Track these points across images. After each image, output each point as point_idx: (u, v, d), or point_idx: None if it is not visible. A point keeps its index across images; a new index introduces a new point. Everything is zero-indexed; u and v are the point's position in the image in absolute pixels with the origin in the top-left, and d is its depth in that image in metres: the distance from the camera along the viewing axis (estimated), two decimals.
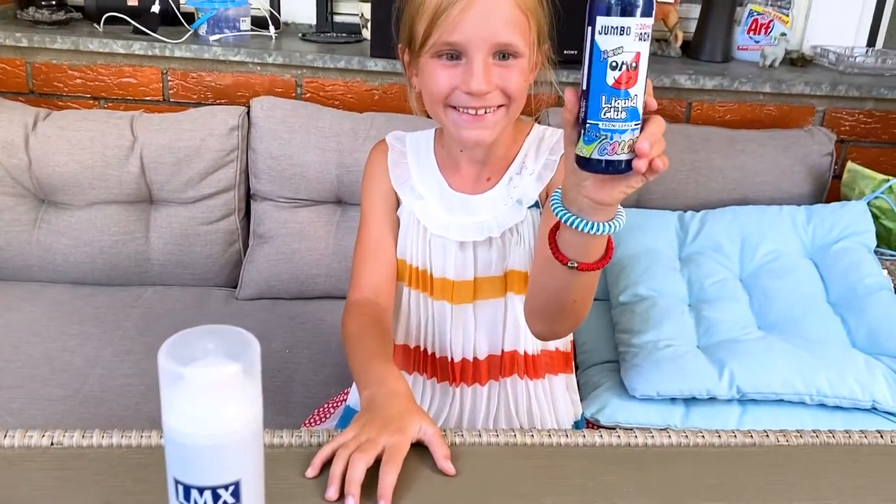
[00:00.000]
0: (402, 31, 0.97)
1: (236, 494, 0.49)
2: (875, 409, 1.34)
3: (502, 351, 1.09)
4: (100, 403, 1.39)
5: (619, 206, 0.74)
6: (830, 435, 0.87)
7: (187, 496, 0.49)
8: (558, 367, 1.13)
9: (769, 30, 2.12)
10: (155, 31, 1.90)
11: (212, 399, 0.47)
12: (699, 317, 1.50)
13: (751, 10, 2.11)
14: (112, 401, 1.40)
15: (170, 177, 1.74)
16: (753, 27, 2.12)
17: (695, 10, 2.13)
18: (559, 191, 0.75)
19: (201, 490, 0.48)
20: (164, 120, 1.77)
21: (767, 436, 0.86)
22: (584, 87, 0.63)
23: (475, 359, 1.09)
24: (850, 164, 1.87)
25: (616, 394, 1.38)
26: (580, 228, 0.73)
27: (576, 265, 0.77)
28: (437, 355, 1.11)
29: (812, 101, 1.98)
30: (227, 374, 0.47)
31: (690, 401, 1.36)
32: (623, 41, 0.59)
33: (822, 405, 1.35)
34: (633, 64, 0.60)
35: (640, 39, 0.60)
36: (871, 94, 1.96)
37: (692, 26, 2.14)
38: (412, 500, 0.75)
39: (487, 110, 0.93)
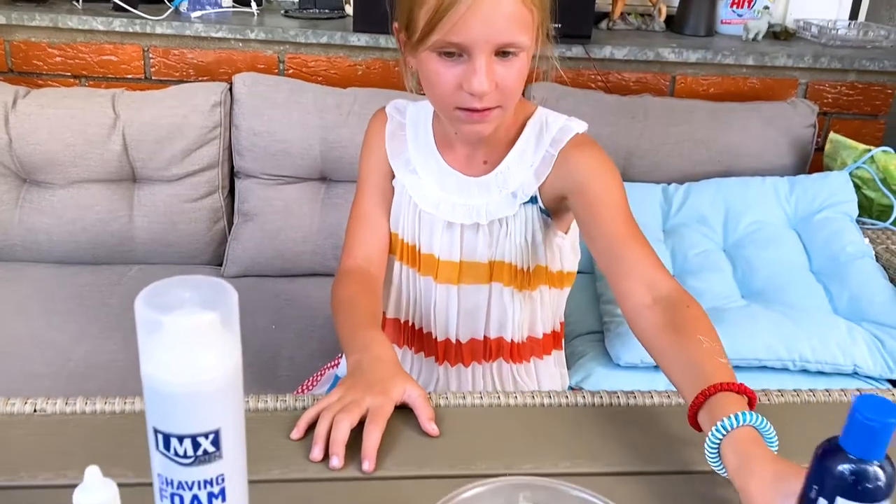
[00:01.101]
0: (399, 12, 0.93)
1: (216, 443, 0.49)
2: (856, 373, 1.36)
3: (485, 337, 1.09)
4: (85, 379, 1.39)
5: None
6: (811, 394, 0.88)
7: (167, 445, 0.49)
8: (546, 349, 1.13)
9: (752, 3, 2.12)
10: (135, 8, 1.88)
11: (190, 346, 0.47)
12: (683, 287, 1.51)
13: None
14: (97, 377, 1.40)
15: (152, 154, 1.73)
16: (736, 1, 2.12)
17: None
18: (720, 434, 0.69)
19: (181, 438, 0.48)
20: (145, 97, 1.75)
21: None
22: None
23: (458, 341, 1.09)
24: (832, 135, 1.87)
25: (601, 363, 1.39)
26: (721, 473, 0.70)
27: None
28: (424, 331, 1.11)
29: (795, 73, 1.99)
30: (205, 322, 0.47)
31: None
32: None
33: (805, 371, 1.37)
34: None
35: None
36: (854, 66, 1.96)
37: (675, 0, 2.13)
38: (396, 460, 0.75)
39: (487, 108, 0.90)
